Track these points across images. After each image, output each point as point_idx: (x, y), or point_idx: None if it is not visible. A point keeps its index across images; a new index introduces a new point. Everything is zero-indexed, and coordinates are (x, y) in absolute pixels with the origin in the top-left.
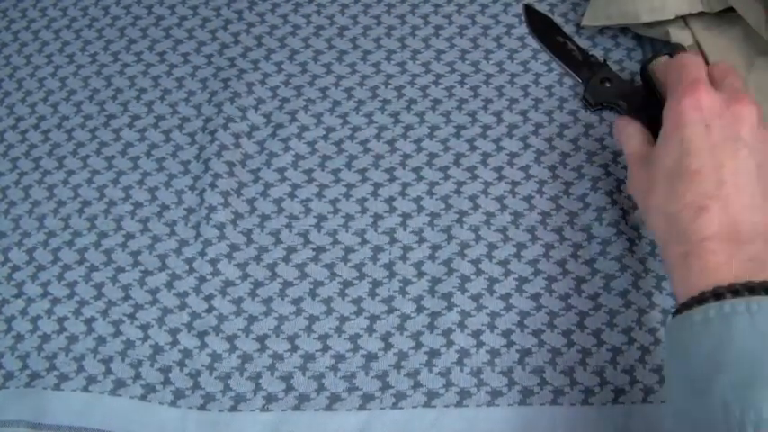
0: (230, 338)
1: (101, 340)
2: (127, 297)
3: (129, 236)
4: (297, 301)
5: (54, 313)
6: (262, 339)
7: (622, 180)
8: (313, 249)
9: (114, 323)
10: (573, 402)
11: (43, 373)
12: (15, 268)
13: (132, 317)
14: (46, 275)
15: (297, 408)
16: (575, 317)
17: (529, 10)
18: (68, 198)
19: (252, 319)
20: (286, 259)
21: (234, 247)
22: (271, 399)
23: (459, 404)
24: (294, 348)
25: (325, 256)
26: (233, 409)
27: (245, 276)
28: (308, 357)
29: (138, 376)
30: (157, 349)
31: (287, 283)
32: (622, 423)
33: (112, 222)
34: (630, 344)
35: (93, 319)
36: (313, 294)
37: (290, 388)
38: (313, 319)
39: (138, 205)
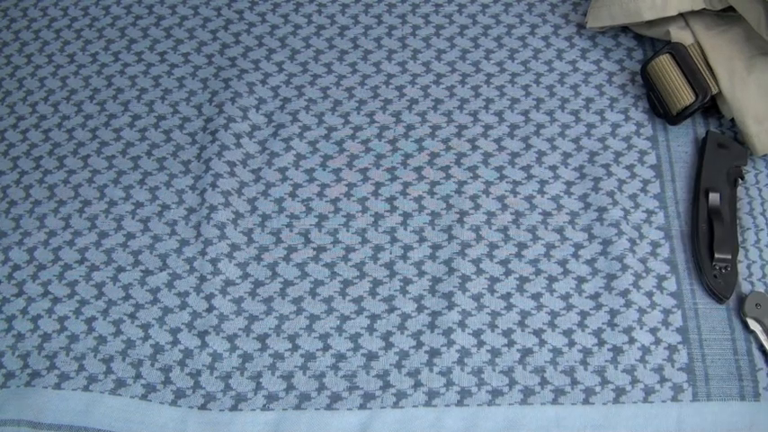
0: (231, 338)
1: (101, 340)
2: (127, 297)
3: (130, 235)
4: (297, 301)
5: (54, 312)
6: (262, 339)
7: (624, 180)
8: (314, 249)
9: (115, 323)
10: (574, 402)
11: (44, 372)
12: (16, 267)
13: (133, 316)
14: (46, 275)
15: (297, 407)
16: (575, 316)
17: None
18: (69, 198)
19: (252, 318)
20: (286, 259)
21: (234, 247)
22: (271, 398)
23: (459, 403)
24: (295, 348)
25: (325, 256)
26: (234, 408)
27: (245, 276)
28: (309, 357)
29: (138, 376)
30: (158, 349)
31: (287, 283)
32: (624, 423)
33: (113, 222)
34: (631, 344)
35: (93, 318)
36: (313, 294)
37: (290, 387)
38: (314, 318)
39: (138, 205)
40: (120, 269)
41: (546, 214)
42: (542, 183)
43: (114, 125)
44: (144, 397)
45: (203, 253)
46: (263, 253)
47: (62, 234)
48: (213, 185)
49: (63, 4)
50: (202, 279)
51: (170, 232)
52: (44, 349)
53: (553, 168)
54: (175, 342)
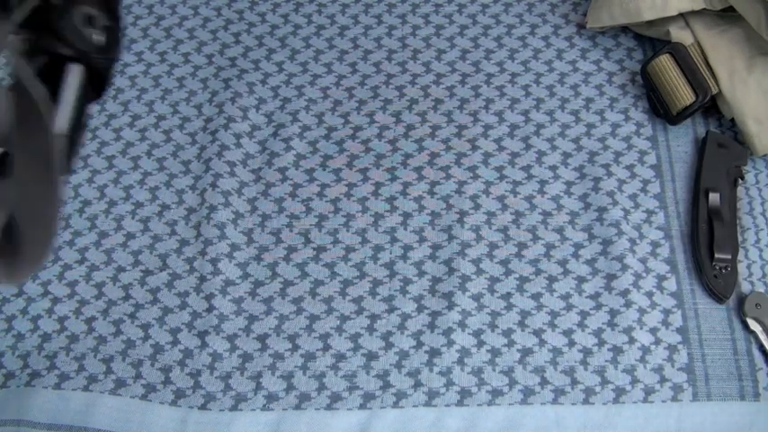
0: (231, 338)
1: (101, 340)
2: (127, 297)
3: (130, 235)
4: (297, 301)
5: (54, 312)
6: (262, 339)
7: (624, 180)
8: (314, 249)
9: (115, 323)
10: (574, 402)
11: (44, 372)
12: None
13: (133, 316)
14: (46, 275)
15: (297, 407)
16: (575, 316)
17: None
18: (69, 197)
19: (252, 318)
20: (286, 258)
21: (234, 247)
22: (271, 398)
23: (459, 403)
24: (295, 348)
25: (325, 256)
26: (234, 408)
27: (245, 276)
28: (309, 357)
29: (138, 376)
30: (158, 349)
31: (287, 283)
32: (624, 423)
33: (113, 222)
34: (631, 343)
35: (93, 318)
36: (313, 294)
37: (290, 387)
38: (314, 318)
39: (138, 205)
40: (120, 269)
41: (546, 214)
42: (542, 183)
43: (114, 125)
44: (144, 397)
45: (203, 253)
46: (263, 253)
47: (62, 234)
48: (213, 185)
49: None
50: (202, 279)
51: (170, 232)
52: (44, 349)
53: (553, 168)
54: (175, 342)
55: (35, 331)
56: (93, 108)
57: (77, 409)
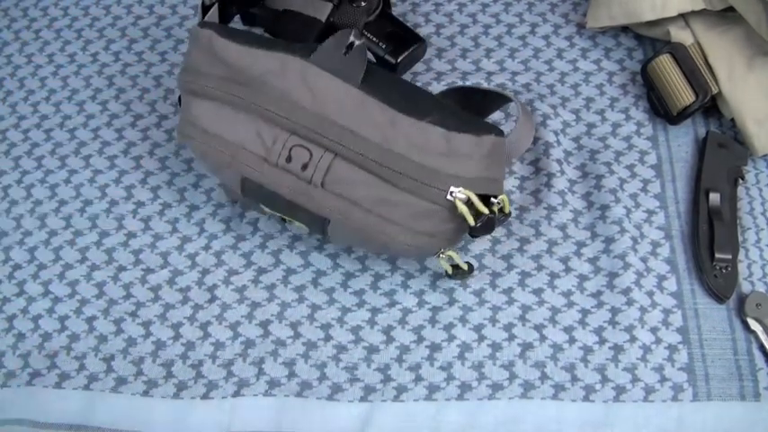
0: (233, 326)
1: (102, 339)
2: (128, 295)
3: (131, 234)
4: (299, 289)
5: (55, 312)
6: (264, 325)
7: (625, 179)
8: (317, 239)
9: (116, 321)
10: (574, 398)
11: (44, 371)
12: (17, 267)
13: (134, 315)
14: (47, 274)
15: (299, 394)
16: (576, 314)
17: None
18: (70, 197)
19: (255, 305)
20: (290, 246)
21: (239, 238)
22: (273, 384)
23: (460, 398)
24: (296, 335)
25: (329, 246)
26: (236, 394)
27: (248, 264)
28: (311, 345)
29: (139, 373)
30: (159, 345)
31: (290, 271)
32: (624, 421)
33: (114, 221)
34: (632, 342)
35: (94, 317)
36: (315, 283)
37: (292, 374)
38: (315, 307)
39: (139, 204)
40: (121, 268)
41: (551, 209)
42: (549, 176)
43: (116, 125)
44: (146, 393)
45: (207, 248)
46: (267, 240)
47: (63, 234)
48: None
49: (63, 4)
50: (205, 272)
51: (171, 230)
52: (45, 349)
53: (558, 162)
54: (177, 336)
55: (36, 331)
56: (95, 108)
57: (78, 407)
